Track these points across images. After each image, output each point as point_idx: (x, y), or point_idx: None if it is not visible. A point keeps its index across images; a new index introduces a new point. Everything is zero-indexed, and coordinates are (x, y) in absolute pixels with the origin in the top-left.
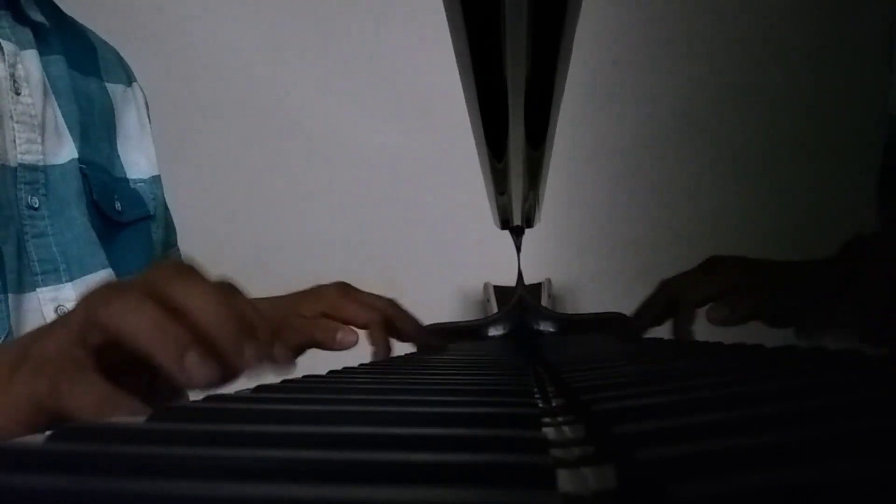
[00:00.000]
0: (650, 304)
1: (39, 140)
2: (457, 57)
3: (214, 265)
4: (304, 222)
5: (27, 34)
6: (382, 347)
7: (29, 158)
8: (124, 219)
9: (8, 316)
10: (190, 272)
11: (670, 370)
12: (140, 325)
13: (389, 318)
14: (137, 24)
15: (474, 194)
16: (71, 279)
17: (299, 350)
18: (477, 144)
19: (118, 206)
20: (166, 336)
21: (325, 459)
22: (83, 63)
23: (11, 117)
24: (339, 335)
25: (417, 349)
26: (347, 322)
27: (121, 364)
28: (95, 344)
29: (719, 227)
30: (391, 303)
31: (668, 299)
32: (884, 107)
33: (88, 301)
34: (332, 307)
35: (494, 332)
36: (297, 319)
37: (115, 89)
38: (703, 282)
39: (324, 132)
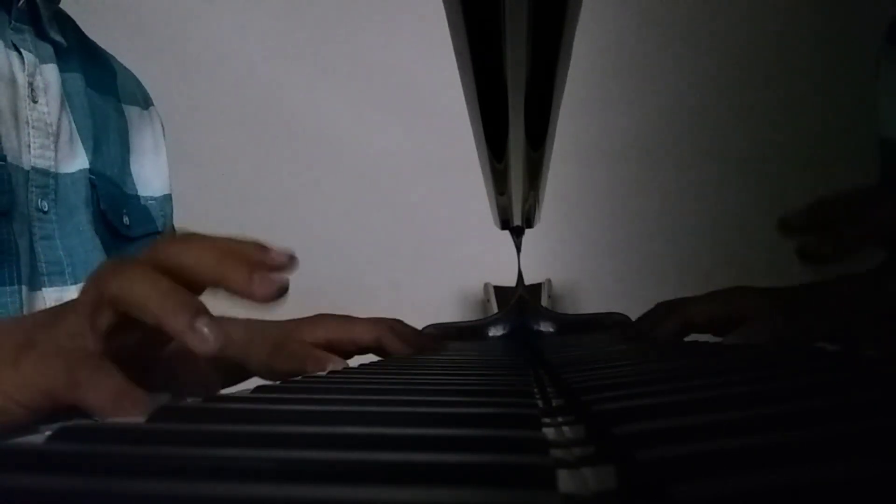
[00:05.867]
0: (648, 316)
1: (52, 147)
2: (457, 57)
3: None
4: (305, 223)
5: (48, 50)
6: (405, 351)
7: (41, 163)
8: (132, 233)
9: (22, 307)
10: (184, 237)
11: (670, 370)
12: (150, 295)
13: (394, 331)
14: (137, 24)
15: (474, 194)
16: (76, 282)
17: (290, 377)
18: (477, 144)
19: (126, 220)
20: (176, 302)
21: (325, 459)
22: (101, 83)
23: (27, 123)
24: (330, 366)
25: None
26: (357, 341)
27: (125, 352)
28: (107, 325)
29: (719, 228)
30: (394, 320)
31: (666, 313)
32: (876, 130)
33: (96, 280)
34: (336, 331)
35: (494, 332)
36: (294, 344)
37: (132, 111)
38: (704, 300)
39: (324, 133)
